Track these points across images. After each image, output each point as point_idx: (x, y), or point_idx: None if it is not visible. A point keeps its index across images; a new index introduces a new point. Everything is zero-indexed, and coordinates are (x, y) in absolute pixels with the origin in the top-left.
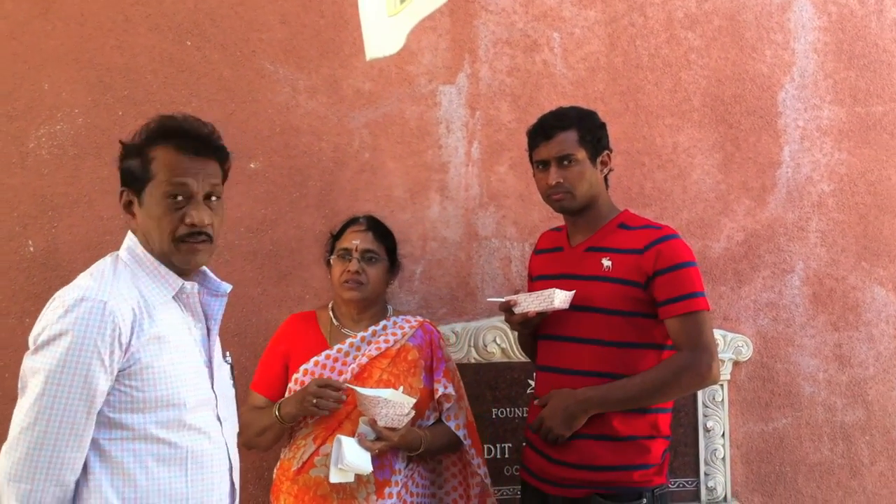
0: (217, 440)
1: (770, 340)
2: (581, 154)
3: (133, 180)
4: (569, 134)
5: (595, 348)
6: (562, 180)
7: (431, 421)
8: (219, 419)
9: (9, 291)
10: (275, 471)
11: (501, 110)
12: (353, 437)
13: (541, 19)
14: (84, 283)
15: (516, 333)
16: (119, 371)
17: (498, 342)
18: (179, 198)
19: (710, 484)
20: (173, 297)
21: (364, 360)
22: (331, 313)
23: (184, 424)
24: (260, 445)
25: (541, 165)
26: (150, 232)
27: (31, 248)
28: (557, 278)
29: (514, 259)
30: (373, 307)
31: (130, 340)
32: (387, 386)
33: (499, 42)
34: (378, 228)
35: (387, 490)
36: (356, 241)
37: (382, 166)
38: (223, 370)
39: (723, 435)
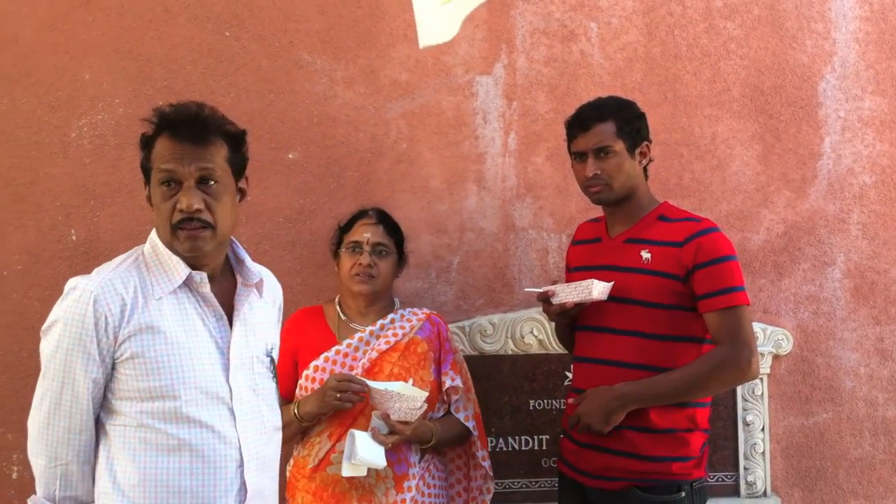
0: (226, 435)
1: (810, 334)
2: (619, 145)
3: (144, 173)
4: (606, 125)
5: (634, 340)
6: (599, 172)
7: (441, 413)
8: (232, 413)
9: (52, 279)
10: (287, 468)
11: (538, 101)
12: (367, 431)
13: (578, 9)
14: (92, 273)
15: (553, 324)
16: (114, 359)
17: (535, 333)
18: (172, 184)
19: (750, 478)
20: (185, 288)
21: (374, 354)
22: (338, 307)
23: (181, 416)
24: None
25: (578, 157)
26: (156, 222)
27: (74, 237)
28: (596, 269)
29: (551, 250)
30: (381, 300)
31: (119, 329)
32: (398, 379)
33: (536, 32)
34: (388, 222)
35: (405, 484)
36: (367, 234)
37: (419, 157)
38: (258, 363)
39: (762, 429)
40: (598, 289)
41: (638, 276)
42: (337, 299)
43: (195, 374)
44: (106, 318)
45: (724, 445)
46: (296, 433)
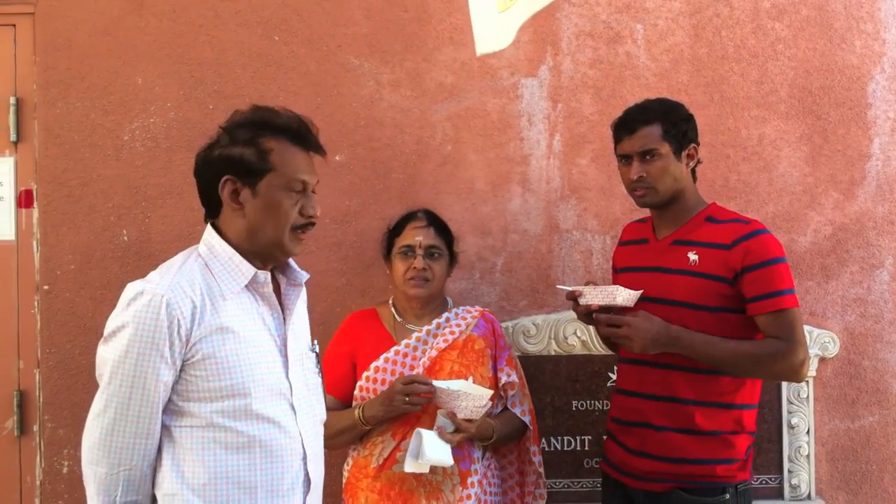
0: (290, 429)
1: (857, 337)
2: (664, 148)
3: (246, 170)
4: (652, 128)
5: None
6: (644, 175)
7: (499, 409)
8: (293, 408)
9: (104, 280)
10: (344, 469)
11: (584, 103)
12: (432, 429)
13: (624, 11)
14: (151, 276)
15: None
16: (184, 361)
17: (578, 334)
18: (299, 191)
19: (794, 481)
20: (247, 288)
21: (434, 353)
22: (392, 309)
23: (251, 413)
24: (335, 446)
25: (624, 159)
26: (261, 222)
27: (126, 238)
28: (642, 271)
29: (594, 252)
30: (435, 301)
31: (191, 332)
32: (458, 377)
33: (581, 34)
34: (438, 223)
35: (469, 480)
36: (419, 237)
37: (464, 159)
38: (307, 359)
39: (807, 432)
40: (622, 295)
41: (685, 279)
42: (391, 301)
43: (262, 372)
44: (178, 321)
45: (768, 448)
46: (357, 437)
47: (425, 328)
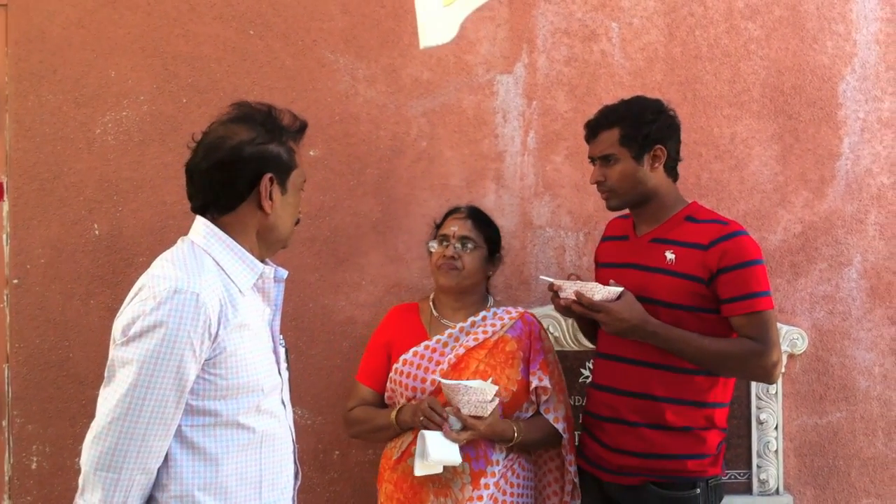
0: (284, 423)
1: (826, 334)
2: (623, 153)
3: (281, 168)
4: (610, 133)
5: None
6: (603, 179)
7: (529, 413)
8: (283, 402)
9: (74, 273)
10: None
11: (558, 100)
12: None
13: (599, 9)
14: (171, 273)
15: (571, 321)
16: (205, 360)
17: (552, 330)
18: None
19: (763, 476)
20: (253, 284)
21: (461, 350)
22: (431, 304)
23: (259, 409)
24: (371, 440)
25: (591, 161)
26: (283, 218)
27: (97, 232)
28: (621, 267)
29: (568, 248)
30: (471, 296)
31: (218, 330)
32: (482, 376)
33: (557, 32)
34: (478, 217)
35: (482, 481)
36: (454, 227)
37: (439, 155)
38: (282, 355)
39: (776, 427)
40: (600, 294)
41: (662, 277)
42: (431, 297)
43: (267, 368)
44: (210, 319)
45: (737, 443)
46: (393, 436)
47: (459, 325)
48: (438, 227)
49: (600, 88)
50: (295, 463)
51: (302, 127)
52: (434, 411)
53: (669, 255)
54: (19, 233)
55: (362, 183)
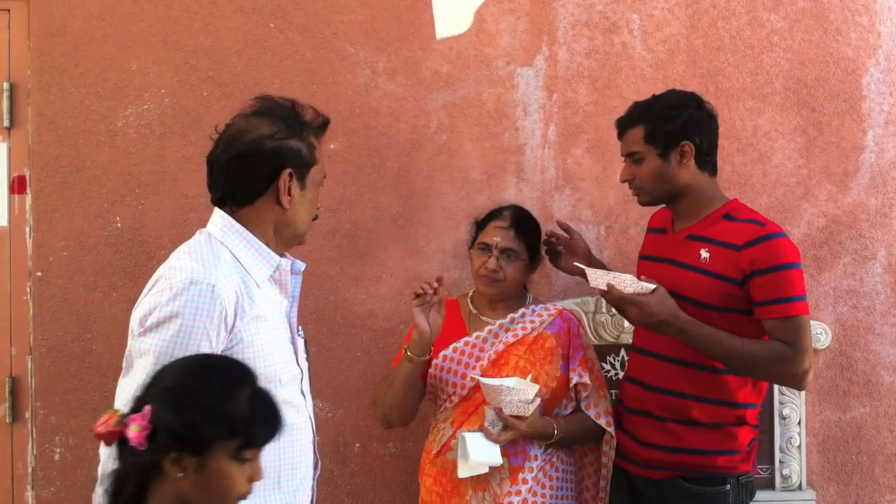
0: (303, 413)
1: (849, 328)
2: (648, 151)
3: (300, 163)
4: (636, 130)
5: None
6: (631, 177)
7: (568, 410)
8: (303, 393)
9: (97, 266)
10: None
11: (579, 93)
12: (478, 431)
13: (620, 1)
14: (188, 264)
15: (592, 314)
16: (222, 351)
17: None
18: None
19: (785, 472)
20: (270, 276)
21: (501, 346)
22: (469, 301)
23: (281, 400)
24: (393, 408)
25: (624, 158)
26: (300, 213)
27: (119, 225)
28: (657, 261)
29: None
30: (510, 296)
31: (235, 322)
32: (521, 373)
33: (577, 24)
34: (521, 224)
35: (521, 476)
36: (497, 238)
37: (459, 148)
38: (301, 346)
39: (799, 423)
40: (632, 287)
41: (695, 275)
42: (470, 294)
43: (285, 359)
44: (226, 310)
45: (760, 439)
46: (409, 387)
47: (498, 322)
48: (479, 226)
49: (621, 81)
50: (315, 454)
51: (324, 123)
52: (430, 282)
53: (704, 254)
54: (42, 226)
55: (382, 176)
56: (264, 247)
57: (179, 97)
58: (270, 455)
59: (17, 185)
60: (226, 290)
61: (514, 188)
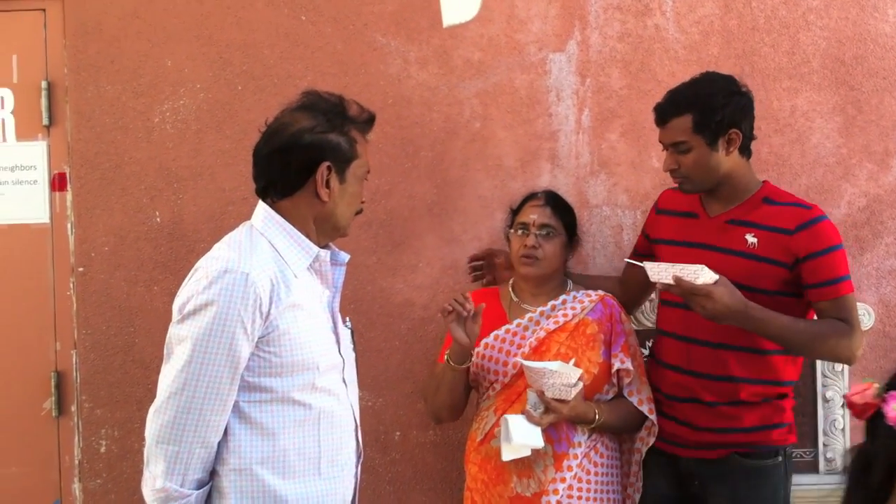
0: (344, 402)
1: (893, 309)
2: (696, 140)
3: (340, 157)
4: (682, 120)
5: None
6: (676, 167)
7: (610, 396)
8: (344, 382)
9: (137, 260)
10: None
11: (612, 77)
12: (520, 414)
13: None
14: (224, 254)
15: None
16: (259, 338)
17: None
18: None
19: (829, 455)
20: (310, 266)
21: (542, 333)
22: (510, 289)
23: (315, 387)
24: (442, 408)
25: (663, 146)
26: (340, 207)
27: (158, 219)
28: (690, 246)
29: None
30: (551, 282)
31: (270, 309)
32: (565, 359)
33: (609, 7)
34: (556, 203)
35: (565, 462)
36: (534, 215)
37: (493, 136)
38: (345, 335)
39: (842, 405)
40: (704, 277)
41: (742, 261)
42: (510, 282)
43: (324, 347)
44: (261, 298)
45: (803, 422)
46: (452, 388)
47: (539, 309)
48: (515, 212)
49: (655, 64)
50: (357, 441)
51: (370, 118)
52: (458, 299)
53: (751, 239)
54: (83, 222)
55: (416, 166)
56: (303, 237)
57: (214, 92)
58: (310, 442)
59: (58, 183)
60: (260, 279)
61: (549, 174)
